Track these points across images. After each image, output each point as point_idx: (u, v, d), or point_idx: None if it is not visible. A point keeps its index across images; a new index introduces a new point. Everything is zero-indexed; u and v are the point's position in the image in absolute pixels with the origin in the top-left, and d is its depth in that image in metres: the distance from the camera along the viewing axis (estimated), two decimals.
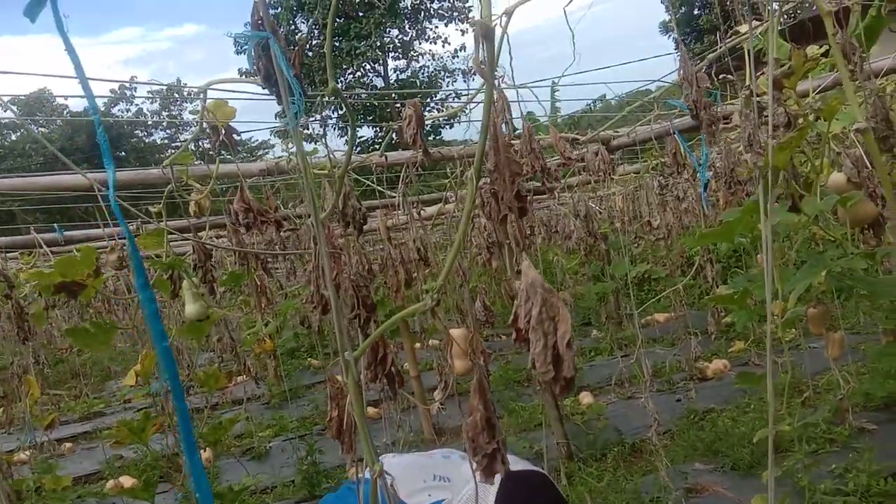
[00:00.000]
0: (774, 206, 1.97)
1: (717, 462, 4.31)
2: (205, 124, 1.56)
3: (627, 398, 5.92)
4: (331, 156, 1.47)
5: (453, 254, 0.85)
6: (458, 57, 27.33)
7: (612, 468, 4.43)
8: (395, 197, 2.45)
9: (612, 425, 5.11)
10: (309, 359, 9.85)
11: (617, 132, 3.57)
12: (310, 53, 25.49)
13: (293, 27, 25.94)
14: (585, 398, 5.88)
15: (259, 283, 2.68)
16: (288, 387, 7.38)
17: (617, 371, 5.67)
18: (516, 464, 1.29)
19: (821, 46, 2.10)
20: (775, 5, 1.82)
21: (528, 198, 0.88)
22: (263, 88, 0.93)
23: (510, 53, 1.59)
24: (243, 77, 1.40)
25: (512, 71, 1.63)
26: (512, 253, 3.52)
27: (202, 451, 4.00)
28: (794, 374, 4.87)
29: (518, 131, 1.75)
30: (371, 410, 6.06)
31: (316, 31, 25.92)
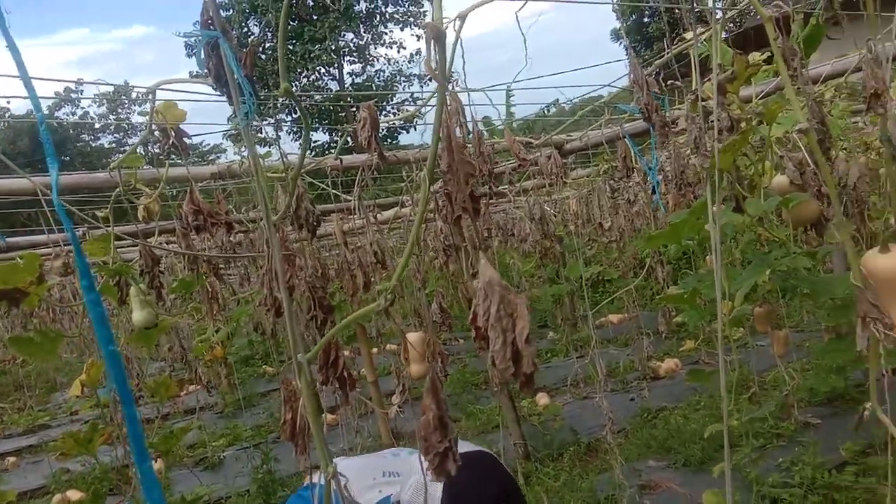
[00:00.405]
0: (721, 207, 2.03)
1: (670, 459, 4.41)
2: (154, 127, 1.53)
3: (583, 398, 6.01)
4: (284, 158, 1.45)
5: (407, 254, 0.86)
6: (413, 61, 27.36)
7: (568, 468, 4.48)
8: (350, 201, 2.44)
9: (568, 425, 5.18)
10: (264, 366, 9.71)
11: (570, 136, 3.63)
12: (263, 56, 25.16)
13: (246, 30, 25.57)
14: (542, 399, 5.95)
15: (210, 289, 2.63)
16: (242, 395, 7.26)
17: (572, 372, 5.74)
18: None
19: (762, 53, 2.18)
20: (719, 13, 1.88)
21: (483, 199, 0.89)
22: (214, 89, 0.92)
23: (463, 57, 1.60)
24: (194, 78, 1.38)
25: (465, 74, 1.64)
26: (468, 255, 3.54)
27: (153, 462, 3.89)
28: (741, 371, 5.02)
29: (471, 134, 1.77)
30: (328, 417, 6.00)
31: (269, 34, 25.61)
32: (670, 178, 2.16)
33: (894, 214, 1.40)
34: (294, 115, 26.72)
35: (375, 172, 2.63)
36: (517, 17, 1.56)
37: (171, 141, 1.37)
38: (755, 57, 1.87)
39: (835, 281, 2.59)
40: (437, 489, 1.27)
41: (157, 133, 1.58)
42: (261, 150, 2.31)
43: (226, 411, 7.74)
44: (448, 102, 0.81)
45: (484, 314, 0.77)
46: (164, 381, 2.87)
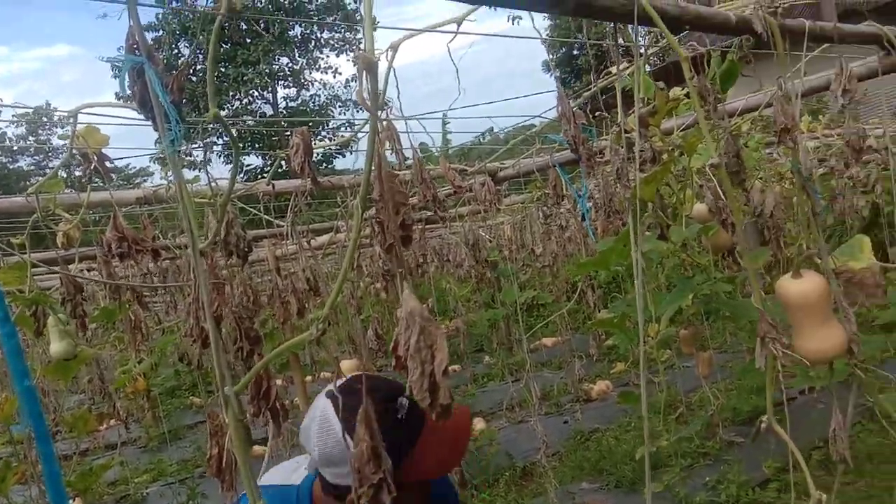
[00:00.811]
0: (646, 234, 2.11)
1: (603, 480, 4.48)
2: (75, 151, 1.48)
3: (518, 422, 6.05)
4: (212, 183, 1.43)
5: (340, 282, 0.85)
6: (349, 87, 27.36)
7: (503, 493, 4.49)
8: (283, 226, 2.41)
9: (503, 450, 5.19)
10: (191, 397, 9.35)
11: (503, 164, 3.70)
12: (194, 79, 24.65)
13: (176, 51, 25.04)
14: (478, 424, 5.94)
15: (134, 318, 2.53)
16: (167, 428, 6.96)
17: (508, 396, 5.79)
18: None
19: (683, 88, 2.29)
20: (642, 49, 1.97)
21: (414, 227, 0.90)
22: (139, 114, 0.90)
23: (398, 87, 1.62)
24: (120, 101, 1.34)
25: (400, 103, 1.66)
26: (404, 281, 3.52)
27: (71, 502, 3.68)
28: (669, 392, 5.17)
29: (409, 160, 1.78)
30: (258, 449, 5.82)
31: (200, 56, 25.15)
32: (599, 206, 2.23)
33: (806, 241, 1.49)
34: (225, 139, 26.23)
35: (309, 198, 2.60)
36: (449, 48, 1.59)
37: (92, 166, 1.33)
38: (676, 92, 1.96)
39: (752, 304, 2.71)
40: (334, 420, 1.24)
41: (78, 157, 1.52)
42: (189, 175, 2.26)
43: (150, 445, 7.41)
44: (380, 131, 0.81)
45: (405, 344, 0.78)
46: (83, 415, 2.73)
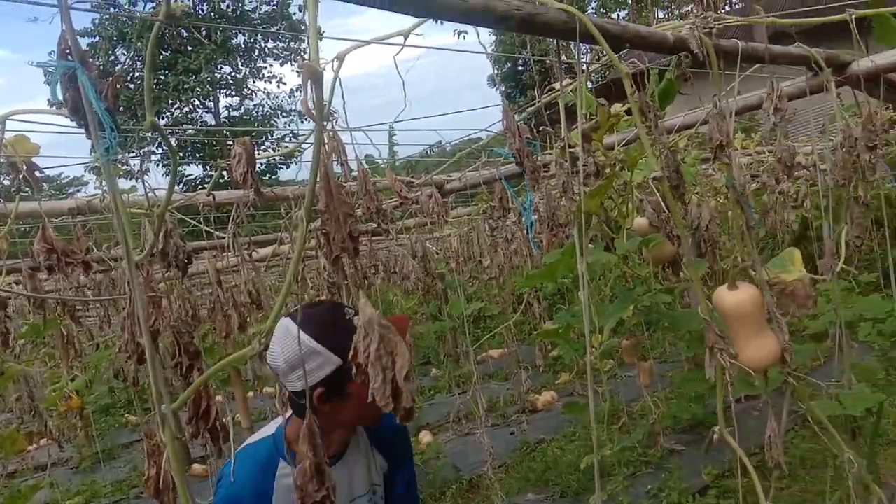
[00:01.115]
0: (590, 247, 2.15)
1: (548, 491, 4.51)
2: (2, 160, 1.41)
3: (465, 434, 6.04)
4: (148, 194, 1.38)
5: (283, 295, 0.83)
6: (294, 97, 27.02)
7: None
8: (224, 238, 2.35)
9: (450, 463, 5.18)
10: (126, 415, 9.01)
11: (450, 177, 3.72)
12: (131, 86, 23.94)
13: (113, 58, 24.27)
14: (425, 437, 5.92)
15: (66, 334, 2.42)
16: (101, 447, 6.69)
17: (455, 408, 5.78)
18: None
19: (624, 104, 2.35)
20: (584, 66, 2.02)
21: (362, 238, 0.89)
22: (72, 121, 0.86)
23: (343, 97, 1.61)
24: (52, 108, 1.29)
25: (346, 114, 1.64)
26: (350, 294, 3.49)
27: None
28: (612, 402, 5.26)
29: (354, 172, 1.76)
30: (198, 467, 5.65)
31: (138, 63, 24.45)
32: (543, 219, 2.26)
33: (741, 254, 1.54)
34: (164, 148, 25.50)
35: (252, 209, 2.55)
36: (395, 60, 1.59)
37: (21, 175, 1.27)
38: (617, 108, 2.01)
39: (691, 315, 2.80)
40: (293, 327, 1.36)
41: (6, 166, 1.45)
42: (125, 185, 2.18)
43: (82, 466, 7.10)
44: (325, 142, 0.80)
45: (364, 352, 0.78)
46: (11, 435, 2.60)
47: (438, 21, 1.18)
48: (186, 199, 2.21)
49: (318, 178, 0.82)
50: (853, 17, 1.63)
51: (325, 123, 1.82)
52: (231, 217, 2.36)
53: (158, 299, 1.10)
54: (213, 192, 2.13)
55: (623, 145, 2.25)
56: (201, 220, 2.60)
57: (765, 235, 5.60)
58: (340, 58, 1.56)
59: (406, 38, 1.49)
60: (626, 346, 3.25)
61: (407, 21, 1.41)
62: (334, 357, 1.34)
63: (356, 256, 0.86)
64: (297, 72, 27.01)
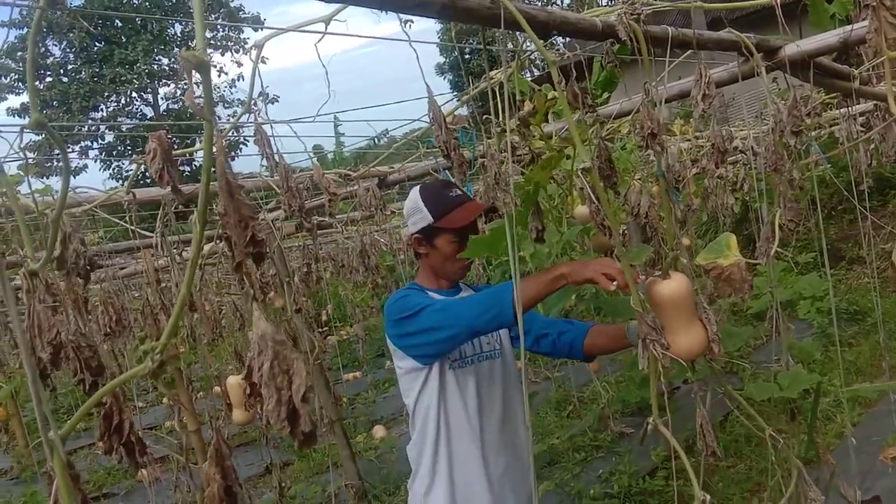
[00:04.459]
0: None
1: None
2: None
3: None
4: (35, 198, 1.28)
5: (178, 309, 0.77)
6: (235, 87, 26.36)
7: (404, 501, 4.43)
8: (151, 237, 2.24)
9: (404, 456, 5.13)
10: (68, 421, 8.69)
11: (393, 168, 3.65)
12: (65, 79, 23.00)
13: (44, 50, 23.24)
14: (378, 432, 5.86)
15: None
16: (41, 457, 6.42)
17: None
18: None
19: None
20: (515, 53, 1.98)
21: (265, 242, 0.83)
22: None
23: (262, 87, 1.53)
24: None
25: (266, 104, 1.57)
26: (291, 291, 3.40)
27: None
28: (563, 388, 5.29)
29: (278, 167, 1.69)
30: (143, 472, 5.46)
31: (72, 56, 23.51)
32: None
33: (670, 244, 1.53)
34: (102, 143, 24.61)
35: (181, 207, 2.44)
36: (317, 48, 1.52)
37: None
38: (552, 92, 1.98)
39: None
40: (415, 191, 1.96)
41: None
42: (38, 185, 2.05)
43: (23, 476, 6.82)
44: (214, 140, 0.74)
45: (258, 371, 0.72)
46: None
47: (355, 7, 1.11)
48: (107, 198, 2.10)
49: (210, 180, 0.76)
50: (779, 1, 1.63)
51: (248, 116, 1.72)
52: (158, 216, 2.25)
53: (55, 309, 1.02)
54: (134, 191, 2.02)
55: (562, 132, 2.22)
56: (128, 219, 2.48)
57: (706, 219, 5.70)
58: (259, 45, 1.48)
59: (327, 24, 1.42)
60: None
61: (329, 8, 1.35)
62: (429, 215, 1.84)
63: (260, 263, 0.80)
64: (237, 62, 26.36)
